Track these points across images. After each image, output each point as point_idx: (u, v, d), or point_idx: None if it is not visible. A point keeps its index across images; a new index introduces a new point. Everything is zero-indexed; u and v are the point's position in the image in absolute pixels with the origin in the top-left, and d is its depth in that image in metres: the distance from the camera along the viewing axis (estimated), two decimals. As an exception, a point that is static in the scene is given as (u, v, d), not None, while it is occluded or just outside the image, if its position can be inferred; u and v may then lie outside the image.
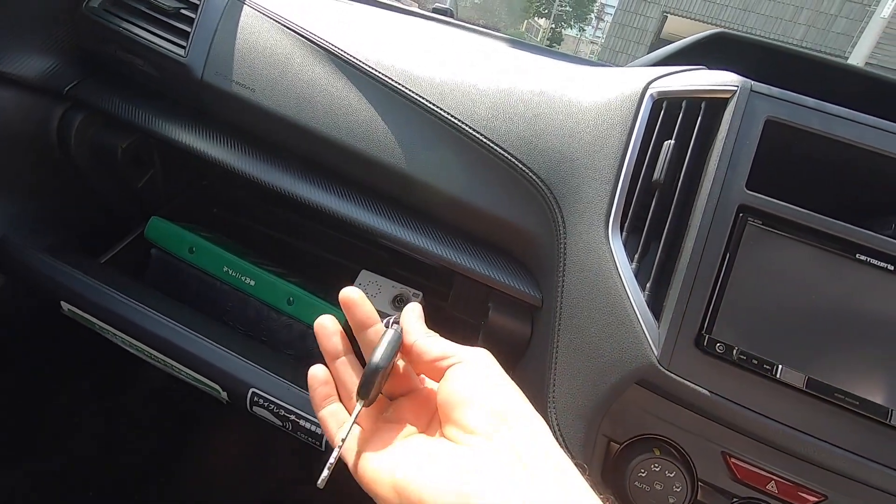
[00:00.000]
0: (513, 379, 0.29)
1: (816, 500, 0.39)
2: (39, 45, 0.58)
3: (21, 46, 0.57)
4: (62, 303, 0.54)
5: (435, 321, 0.70)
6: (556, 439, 0.43)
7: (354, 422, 0.28)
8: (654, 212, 0.43)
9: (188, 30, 0.57)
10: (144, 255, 0.65)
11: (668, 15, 7.83)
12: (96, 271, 0.55)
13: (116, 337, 0.53)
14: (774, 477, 0.40)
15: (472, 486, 0.23)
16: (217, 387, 0.50)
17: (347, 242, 0.72)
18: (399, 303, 0.66)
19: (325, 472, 0.27)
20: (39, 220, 0.64)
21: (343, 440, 0.28)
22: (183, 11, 0.58)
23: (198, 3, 0.58)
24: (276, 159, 0.58)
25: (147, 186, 0.67)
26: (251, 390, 0.49)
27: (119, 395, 0.84)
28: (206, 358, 0.50)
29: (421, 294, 0.66)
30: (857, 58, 4.96)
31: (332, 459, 0.27)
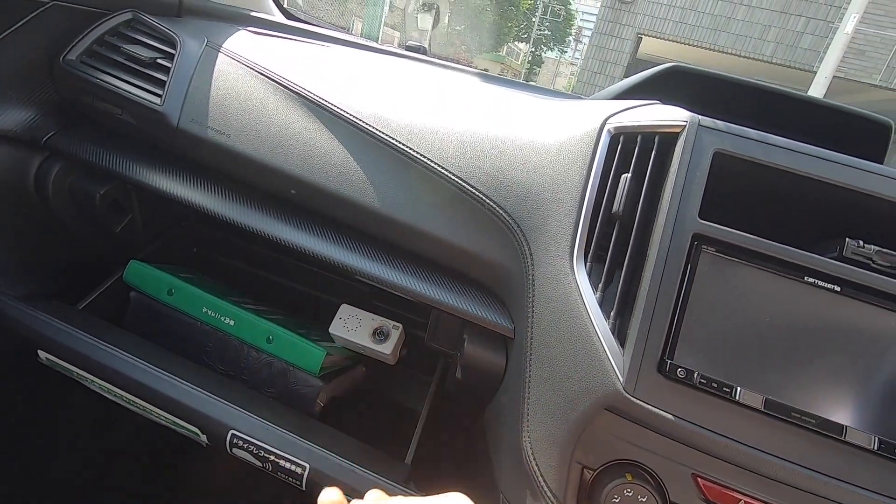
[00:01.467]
0: (489, 410, 0.31)
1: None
2: (18, 98, 0.59)
3: (1, 101, 0.58)
4: (39, 351, 0.54)
5: (415, 352, 0.71)
6: (531, 468, 0.43)
7: None
8: (615, 242, 0.45)
9: (164, 79, 0.59)
10: (124, 299, 0.66)
11: (643, 36, 8.08)
12: (74, 318, 0.55)
13: (94, 384, 0.53)
14: (744, 496, 0.41)
15: None
16: (196, 429, 0.50)
17: (327, 277, 0.73)
18: (379, 335, 0.67)
19: None
20: (17, 267, 0.64)
21: None
22: (159, 61, 0.60)
23: (174, 52, 0.60)
24: (253, 201, 0.59)
25: (126, 230, 0.68)
26: (230, 432, 0.49)
27: (98, 440, 0.83)
28: (184, 401, 0.50)
29: (401, 326, 0.67)
30: (826, 72, 5.15)
31: None
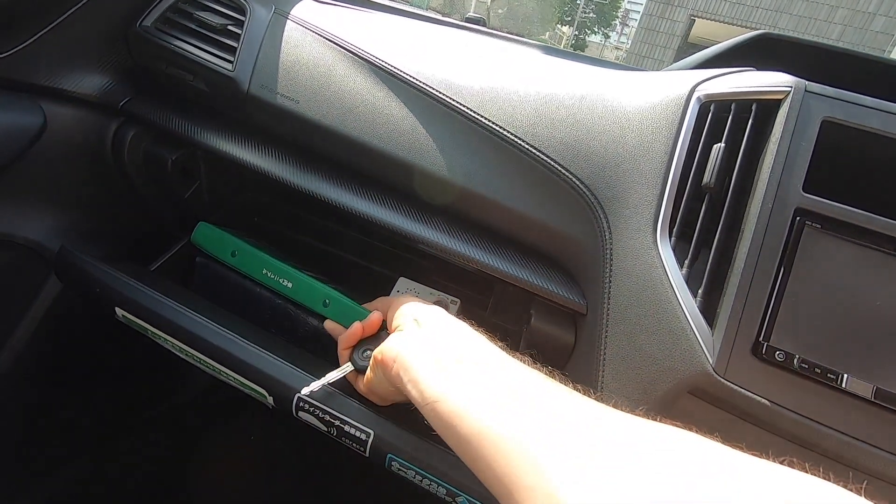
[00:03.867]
0: None
1: (885, 517, 0.38)
2: (96, 63, 0.61)
3: (80, 66, 0.60)
4: (117, 309, 0.56)
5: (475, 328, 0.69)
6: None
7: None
8: (703, 217, 0.42)
9: (235, 45, 0.59)
10: (190, 264, 0.67)
11: (696, 18, 7.71)
12: (149, 279, 0.57)
13: (167, 342, 0.55)
14: (839, 492, 0.38)
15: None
16: (263, 391, 0.51)
17: (386, 250, 0.72)
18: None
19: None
20: (92, 230, 0.67)
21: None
22: (230, 28, 0.60)
23: (243, 19, 0.60)
24: (319, 168, 0.59)
25: (193, 197, 0.70)
26: (297, 395, 0.50)
27: (168, 401, 0.87)
28: (254, 364, 0.51)
29: (459, 301, 0.66)
30: (899, 56, 4.78)
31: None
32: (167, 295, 0.55)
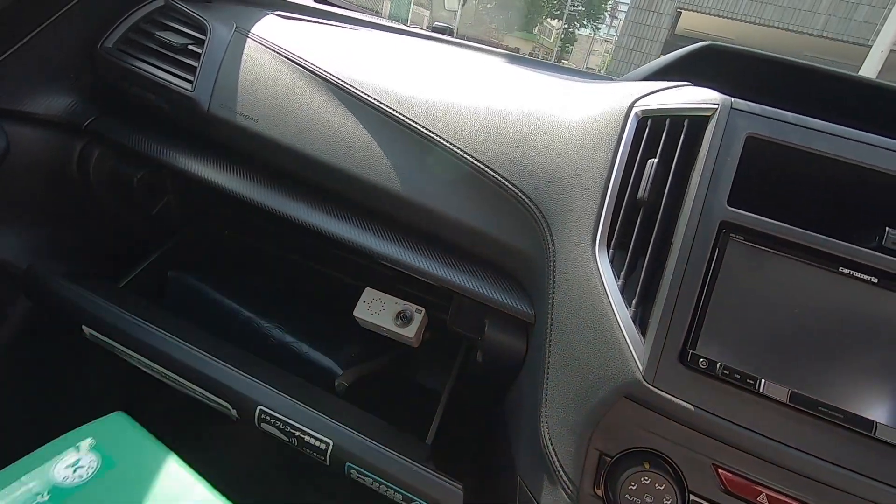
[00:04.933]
0: (510, 395, 0.32)
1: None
2: (59, 85, 0.62)
3: (43, 87, 0.61)
4: (84, 327, 0.57)
5: (438, 335, 0.71)
6: (549, 454, 0.44)
7: None
8: (639, 229, 0.44)
9: (195, 65, 0.60)
10: (162, 277, 0.69)
11: (682, 11, 7.73)
12: (116, 296, 0.58)
13: (133, 359, 0.56)
14: (764, 489, 0.40)
15: None
16: (227, 404, 0.53)
17: (352, 261, 0.74)
18: (402, 319, 0.68)
19: None
20: (61, 248, 0.68)
21: None
22: (190, 47, 0.62)
23: (204, 38, 0.62)
24: (280, 185, 0.61)
25: (162, 212, 0.71)
26: (259, 408, 0.51)
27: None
28: (217, 378, 0.52)
29: (423, 310, 0.68)
30: (882, 45, 4.81)
31: None
32: (134, 312, 0.56)
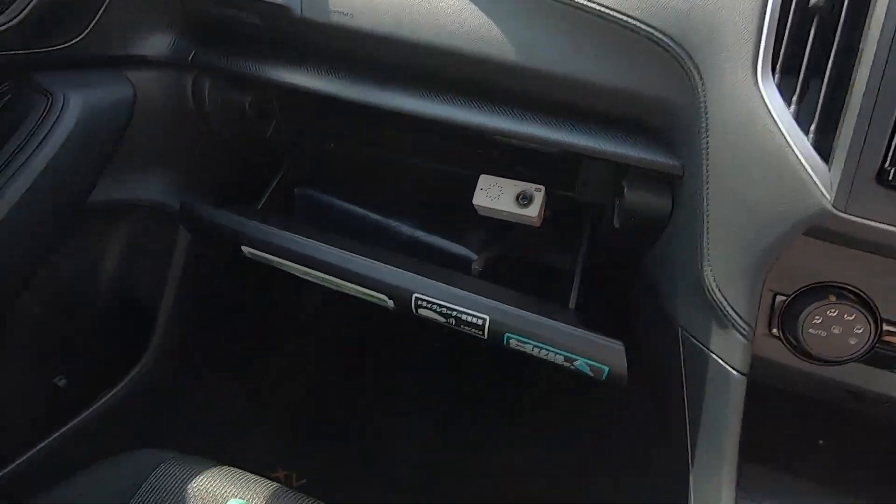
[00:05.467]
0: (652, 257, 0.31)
1: None
2: (157, 23, 0.63)
3: (145, 29, 0.62)
4: (243, 247, 0.63)
5: (559, 214, 0.69)
6: (717, 300, 0.43)
7: None
8: (812, 44, 0.38)
9: None
10: (289, 196, 0.73)
11: None
12: (263, 216, 0.63)
13: (292, 269, 0.62)
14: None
15: None
16: (384, 296, 0.57)
17: (463, 150, 0.73)
18: (522, 200, 0.68)
19: None
20: (197, 183, 0.74)
21: None
22: None
23: None
24: (382, 80, 0.59)
25: (274, 135, 0.73)
26: (414, 295, 0.55)
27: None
28: (372, 275, 0.56)
29: (543, 188, 0.67)
30: None
31: None
32: (283, 228, 0.61)
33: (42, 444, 0.65)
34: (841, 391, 0.53)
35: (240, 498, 0.47)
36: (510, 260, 0.72)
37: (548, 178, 0.67)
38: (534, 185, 0.67)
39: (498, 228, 0.72)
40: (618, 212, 0.56)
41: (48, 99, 0.52)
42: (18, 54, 0.52)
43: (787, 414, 0.56)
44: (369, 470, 0.91)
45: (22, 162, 0.49)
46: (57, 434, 0.66)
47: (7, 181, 0.48)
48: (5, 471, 0.61)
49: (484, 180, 0.69)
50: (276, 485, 0.48)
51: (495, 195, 0.68)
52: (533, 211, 0.67)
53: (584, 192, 0.60)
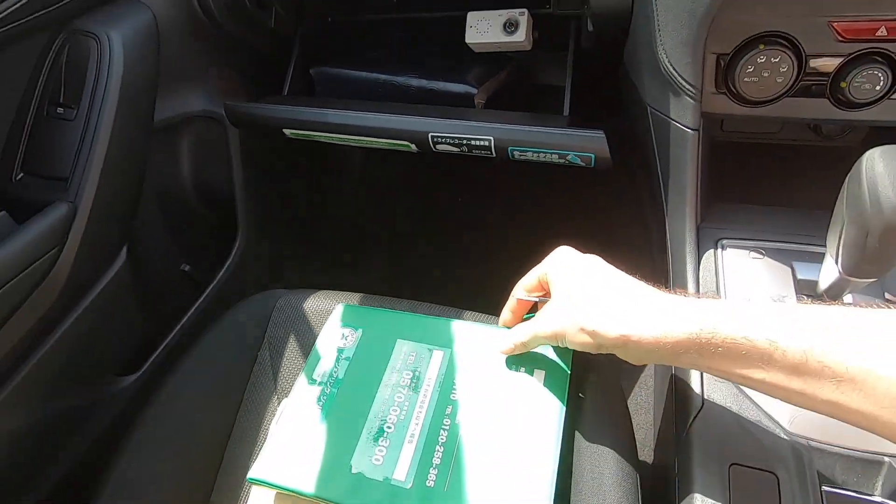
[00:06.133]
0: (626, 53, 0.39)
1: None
2: None
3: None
4: (284, 130, 0.76)
5: (547, 32, 0.75)
6: (670, 72, 0.51)
7: None
8: None
9: None
10: (307, 77, 0.83)
11: None
12: (292, 100, 0.74)
13: (329, 138, 0.74)
14: (883, 22, 0.44)
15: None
16: (407, 142, 0.70)
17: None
18: (509, 27, 0.74)
19: None
20: (228, 85, 0.84)
21: None
22: None
23: None
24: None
25: (278, 23, 0.81)
26: (430, 134, 0.67)
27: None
28: (394, 126, 0.68)
29: (526, 10, 0.72)
30: None
31: None
32: (310, 105, 0.72)
33: (185, 319, 0.86)
34: (802, 129, 0.62)
35: (343, 303, 0.65)
36: (510, 86, 0.80)
37: (525, 1, 0.72)
38: (517, 10, 0.73)
39: (494, 60, 0.80)
40: (589, 17, 0.62)
41: (97, 42, 0.62)
42: (55, 8, 0.61)
43: (758, 162, 0.66)
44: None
45: (104, 91, 0.61)
46: (193, 309, 0.87)
47: (98, 112, 0.61)
48: (167, 340, 0.83)
49: (472, 17, 0.75)
50: (362, 294, 0.67)
51: (484, 29, 0.75)
52: (520, 36, 0.73)
53: (560, 5, 0.65)
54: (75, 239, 0.60)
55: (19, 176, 0.61)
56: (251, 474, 0.45)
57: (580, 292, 0.39)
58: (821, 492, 0.38)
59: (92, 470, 0.54)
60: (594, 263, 0.42)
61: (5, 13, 0.56)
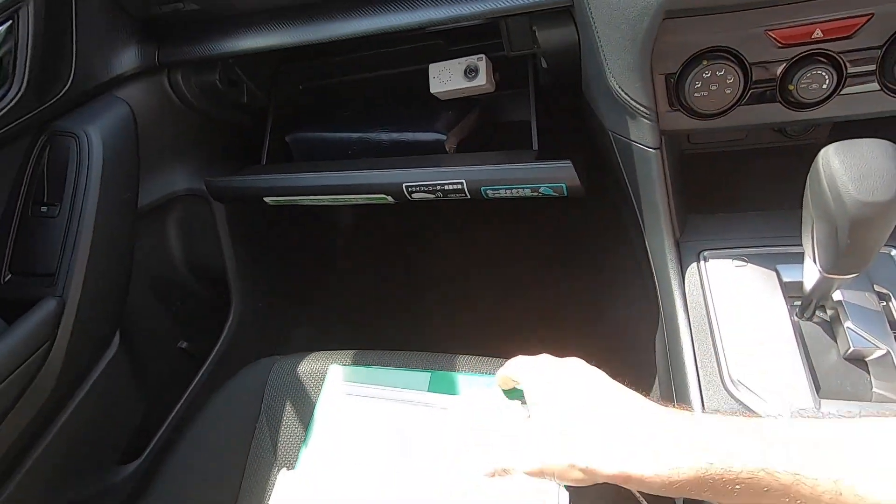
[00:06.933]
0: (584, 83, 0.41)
1: (864, 20, 0.44)
2: (120, 40, 0.72)
3: (115, 49, 0.72)
4: (264, 198, 0.78)
5: (507, 73, 0.78)
6: (622, 98, 0.52)
7: None
8: None
9: None
10: (283, 144, 0.86)
11: None
12: (269, 169, 0.76)
13: (308, 200, 0.76)
14: (817, 25, 0.45)
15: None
16: (383, 195, 0.71)
17: (406, 52, 0.81)
18: (470, 73, 0.76)
19: None
20: (207, 160, 0.87)
21: None
22: None
23: None
24: (316, 17, 0.68)
25: (250, 99, 0.84)
26: (404, 184, 0.68)
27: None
28: (370, 182, 0.70)
29: (484, 55, 0.75)
30: None
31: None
32: (289, 172, 0.74)
33: (185, 396, 0.86)
34: (768, 132, 0.63)
35: (336, 363, 0.64)
36: (479, 128, 0.82)
37: (483, 47, 0.75)
38: (476, 56, 0.76)
39: (461, 105, 0.82)
40: (541, 54, 0.64)
41: (76, 140, 0.65)
42: (37, 112, 0.65)
43: (730, 170, 0.66)
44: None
45: (85, 186, 0.64)
46: (193, 384, 0.87)
47: (81, 207, 0.63)
48: (168, 420, 0.82)
49: (433, 69, 0.78)
50: (357, 350, 0.66)
51: (446, 78, 0.77)
52: (482, 80, 0.76)
53: (511, 47, 0.68)
54: (66, 331, 0.61)
55: (7, 277, 0.63)
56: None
57: (566, 419, 0.34)
58: None
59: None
60: (577, 374, 0.37)
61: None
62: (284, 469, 0.55)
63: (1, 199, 0.65)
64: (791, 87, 0.47)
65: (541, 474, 0.35)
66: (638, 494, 0.41)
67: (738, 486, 0.28)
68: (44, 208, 0.64)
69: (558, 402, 0.36)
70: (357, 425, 0.53)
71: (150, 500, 0.60)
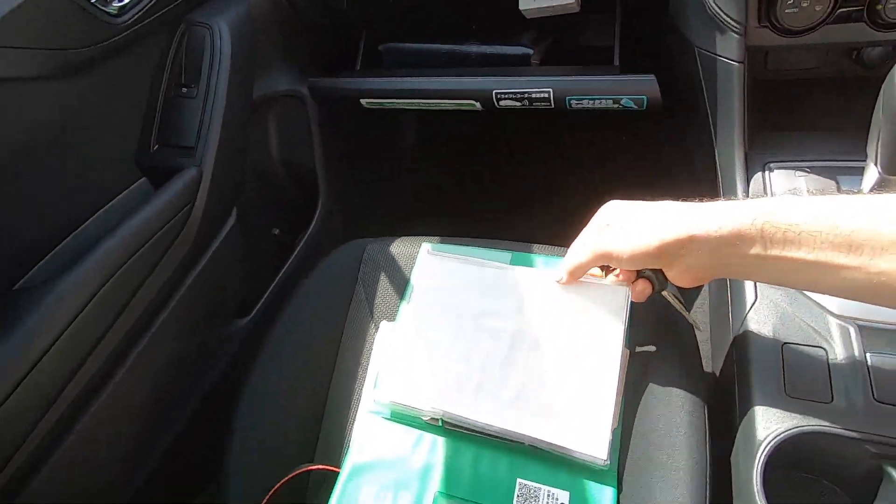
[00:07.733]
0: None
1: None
2: None
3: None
4: (361, 100, 0.86)
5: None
6: (715, 12, 0.57)
7: None
8: None
9: None
10: (376, 53, 0.92)
11: None
12: (366, 73, 0.84)
13: (402, 103, 0.84)
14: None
15: None
16: (473, 101, 0.78)
17: None
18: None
19: None
20: (309, 66, 0.95)
21: None
22: None
23: None
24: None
25: (349, 6, 0.91)
26: (494, 91, 0.75)
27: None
28: (463, 87, 0.76)
29: None
30: None
31: None
32: (384, 76, 0.82)
33: (281, 273, 0.98)
34: (845, 61, 0.66)
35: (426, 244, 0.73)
36: (562, 48, 0.87)
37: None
38: None
39: (546, 24, 0.86)
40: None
41: (209, 30, 0.74)
42: (174, 5, 0.73)
43: (802, 96, 0.70)
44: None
45: (217, 71, 0.73)
46: (287, 264, 0.99)
47: (215, 84, 0.73)
48: (269, 290, 0.95)
49: None
50: (440, 237, 0.75)
51: None
52: (570, -4, 0.80)
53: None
54: (202, 197, 0.72)
55: (155, 147, 0.74)
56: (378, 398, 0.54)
57: (634, 214, 0.43)
58: (865, 357, 0.44)
59: (229, 387, 0.66)
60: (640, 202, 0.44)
61: (139, 13, 0.68)
62: (385, 321, 0.65)
63: (147, 82, 0.75)
64: (879, 7, 0.51)
65: (606, 258, 0.44)
66: (673, 299, 0.50)
67: (777, 236, 0.34)
68: (184, 89, 0.74)
69: (629, 207, 0.44)
70: (451, 285, 0.62)
71: (267, 342, 0.72)
